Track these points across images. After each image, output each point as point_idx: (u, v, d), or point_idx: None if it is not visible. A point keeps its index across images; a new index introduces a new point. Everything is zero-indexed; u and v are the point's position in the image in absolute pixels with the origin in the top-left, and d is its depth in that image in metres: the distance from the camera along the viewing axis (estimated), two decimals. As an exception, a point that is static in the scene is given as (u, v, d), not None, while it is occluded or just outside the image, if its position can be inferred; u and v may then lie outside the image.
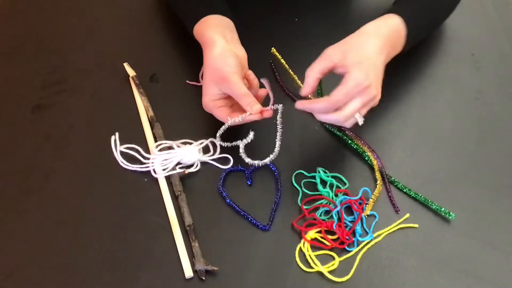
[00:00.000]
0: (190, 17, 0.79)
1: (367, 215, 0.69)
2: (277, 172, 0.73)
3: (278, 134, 0.69)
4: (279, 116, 0.69)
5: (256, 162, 0.70)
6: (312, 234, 0.67)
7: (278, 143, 0.69)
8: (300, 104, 0.67)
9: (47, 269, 0.65)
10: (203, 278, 0.63)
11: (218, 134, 0.73)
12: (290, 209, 0.70)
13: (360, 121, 0.66)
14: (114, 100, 0.82)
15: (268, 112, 0.69)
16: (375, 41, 0.68)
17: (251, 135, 0.70)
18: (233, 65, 0.69)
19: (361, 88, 0.64)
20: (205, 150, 0.75)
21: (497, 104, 0.82)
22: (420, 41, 0.82)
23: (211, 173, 0.73)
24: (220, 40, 0.72)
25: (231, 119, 0.70)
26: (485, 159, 0.75)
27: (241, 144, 0.71)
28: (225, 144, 0.73)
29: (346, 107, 0.65)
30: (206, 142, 0.75)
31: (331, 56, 0.67)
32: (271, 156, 0.70)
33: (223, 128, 0.72)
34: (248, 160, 0.70)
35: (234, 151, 0.74)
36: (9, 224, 0.68)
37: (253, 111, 0.68)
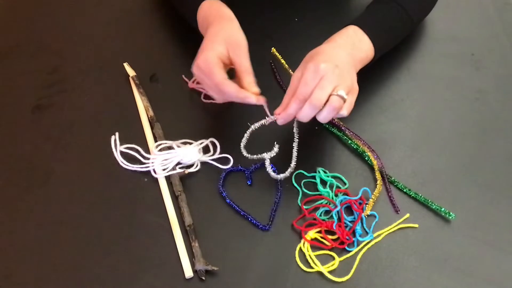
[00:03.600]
0: (194, 1, 0.78)
1: (367, 215, 0.69)
2: (277, 172, 0.73)
3: (295, 145, 0.68)
4: (295, 126, 0.68)
5: (279, 176, 0.69)
6: (312, 234, 0.67)
7: (294, 153, 0.69)
8: (280, 118, 0.66)
9: (47, 269, 0.65)
10: (203, 278, 0.63)
11: (242, 146, 0.70)
12: (290, 209, 0.70)
13: (344, 95, 0.64)
14: (114, 100, 0.82)
15: (262, 99, 0.67)
16: (330, 43, 0.70)
17: (276, 148, 0.69)
18: (246, 44, 0.70)
19: (319, 71, 0.64)
20: (205, 150, 0.75)
21: (497, 104, 0.82)
22: (408, 41, 0.82)
23: (211, 173, 0.73)
24: (235, 19, 0.72)
25: (252, 126, 0.69)
26: (485, 159, 0.75)
27: (267, 156, 0.70)
28: (250, 157, 0.70)
29: (314, 91, 0.63)
30: (206, 142, 0.75)
31: (295, 76, 0.67)
32: (289, 170, 0.69)
33: (245, 137, 0.69)
34: (273, 174, 0.69)
35: (234, 151, 0.74)
36: (9, 223, 0.68)
37: (252, 90, 0.67)
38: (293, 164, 0.69)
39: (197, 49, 0.78)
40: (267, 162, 0.69)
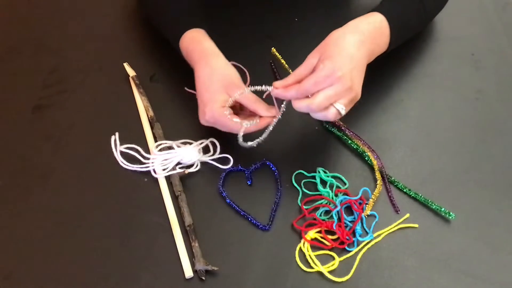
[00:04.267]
0: (176, 29, 0.77)
1: (367, 215, 0.69)
2: (277, 172, 0.73)
3: (275, 121, 0.68)
4: (284, 104, 0.68)
5: (247, 144, 0.69)
6: (312, 234, 0.67)
7: (270, 128, 0.68)
8: (276, 94, 0.66)
9: (47, 269, 0.65)
10: (203, 278, 0.63)
11: (240, 140, 0.69)
12: (290, 209, 0.70)
13: (342, 111, 0.64)
14: (114, 100, 0.82)
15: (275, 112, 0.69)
16: (354, 36, 0.67)
17: (257, 119, 0.69)
18: (238, 75, 0.71)
19: (333, 78, 0.63)
20: (205, 150, 0.75)
21: (497, 104, 0.82)
22: (409, 40, 0.82)
23: (211, 173, 0.73)
24: (220, 52, 0.73)
25: (247, 122, 0.68)
26: (485, 159, 0.75)
27: (246, 124, 0.68)
28: (247, 144, 0.69)
29: (317, 95, 0.63)
30: (206, 142, 0.75)
31: (310, 60, 0.66)
32: (258, 140, 0.69)
33: (240, 135, 0.68)
34: (241, 141, 0.69)
35: (234, 151, 0.74)
36: (8, 224, 0.68)
37: (278, 114, 0.68)
38: (264, 135, 0.68)
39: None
40: (243, 129, 0.68)
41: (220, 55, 0.73)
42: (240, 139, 0.69)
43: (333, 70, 0.63)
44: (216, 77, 0.70)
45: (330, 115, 0.64)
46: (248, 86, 0.68)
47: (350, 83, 0.64)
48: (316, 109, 0.63)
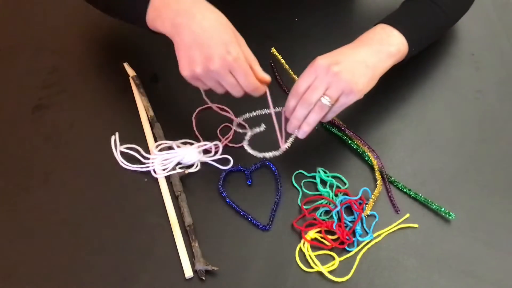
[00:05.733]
0: None
1: (367, 215, 0.69)
2: (277, 172, 0.73)
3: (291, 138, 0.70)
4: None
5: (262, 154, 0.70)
6: (312, 234, 0.67)
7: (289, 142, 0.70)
8: (290, 124, 0.69)
9: (47, 269, 0.65)
10: (203, 278, 0.63)
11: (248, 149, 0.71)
12: (290, 209, 0.70)
13: (326, 102, 0.65)
14: (114, 100, 0.82)
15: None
16: (353, 43, 0.71)
17: (263, 127, 0.71)
18: None
19: (320, 69, 0.65)
20: (205, 150, 0.75)
21: (497, 104, 0.82)
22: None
23: (211, 173, 0.73)
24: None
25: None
26: (485, 159, 0.75)
27: (250, 132, 0.70)
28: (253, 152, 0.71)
29: (307, 91, 0.65)
30: (210, 144, 0.74)
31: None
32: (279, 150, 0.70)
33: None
34: (247, 148, 0.71)
35: (234, 151, 0.74)
36: (9, 224, 0.68)
37: (266, 78, 0.67)
38: (284, 146, 0.70)
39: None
40: (248, 137, 0.71)
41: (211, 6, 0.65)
42: (246, 143, 0.71)
43: (317, 62, 0.66)
44: (226, 21, 0.64)
45: (317, 107, 0.65)
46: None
47: (336, 67, 0.65)
48: (307, 105, 0.65)
